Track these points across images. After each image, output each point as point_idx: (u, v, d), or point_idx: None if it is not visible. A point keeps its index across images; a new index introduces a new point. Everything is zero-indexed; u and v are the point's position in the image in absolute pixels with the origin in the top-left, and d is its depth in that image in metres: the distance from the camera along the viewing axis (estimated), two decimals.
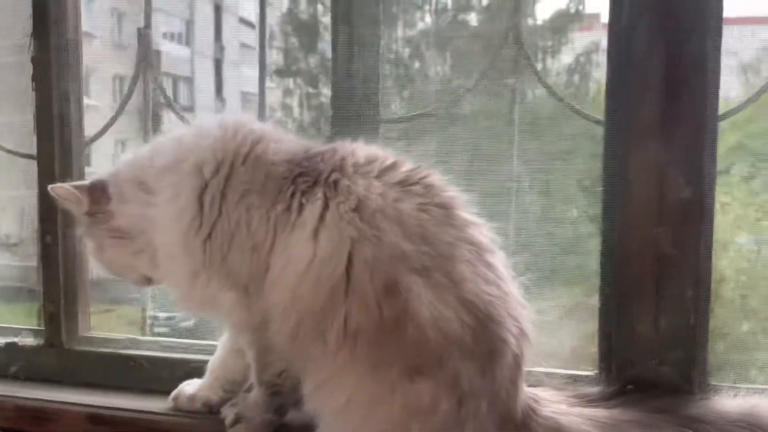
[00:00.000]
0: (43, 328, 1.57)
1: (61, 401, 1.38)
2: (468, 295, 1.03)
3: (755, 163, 1.30)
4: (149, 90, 1.58)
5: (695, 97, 1.19)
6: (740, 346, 1.29)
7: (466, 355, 1.02)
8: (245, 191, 1.12)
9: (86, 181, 1.27)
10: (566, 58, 1.49)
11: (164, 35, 1.79)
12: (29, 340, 1.57)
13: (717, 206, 1.24)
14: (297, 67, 1.83)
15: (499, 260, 1.12)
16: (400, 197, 1.08)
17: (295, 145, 1.19)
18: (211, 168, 1.14)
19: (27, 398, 1.40)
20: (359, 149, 1.17)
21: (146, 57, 1.58)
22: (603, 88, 1.28)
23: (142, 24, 1.58)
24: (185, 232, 1.14)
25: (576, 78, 1.50)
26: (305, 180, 1.12)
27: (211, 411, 1.29)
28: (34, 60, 1.53)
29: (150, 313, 1.90)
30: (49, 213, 1.53)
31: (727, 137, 1.25)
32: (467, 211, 1.13)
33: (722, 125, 1.22)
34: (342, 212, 1.06)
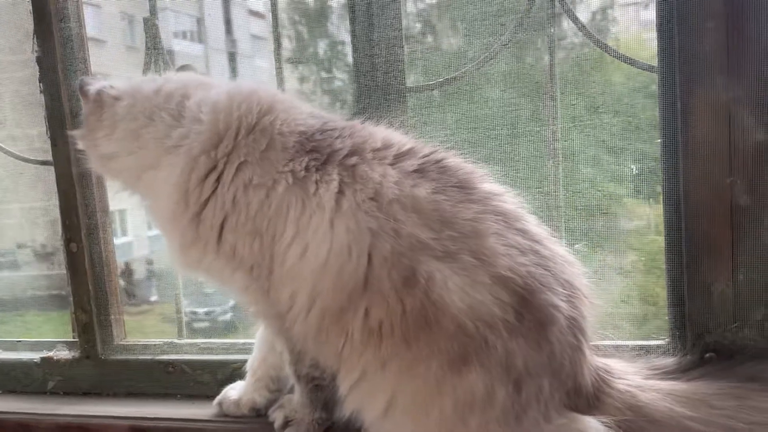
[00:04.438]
0: (77, 340, 1.50)
1: (101, 415, 1.32)
2: (503, 270, 0.93)
3: None
4: None
5: (761, 22, 1.06)
6: None
7: (514, 333, 0.92)
8: (241, 164, 1.03)
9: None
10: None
11: (175, 34, 1.70)
12: (64, 353, 1.51)
13: None
14: (308, 54, 1.77)
15: (532, 224, 1.03)
16: (415, 183, 0.99)
17: (311, 117, 1.09)
18: (206, 144, 1.05)
19: (66, 415, 1.34)
20: (377, 132, 1.08)
21: (155, 45, 1.49)
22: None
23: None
24: (174, 210, 1.06)
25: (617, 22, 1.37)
26: (316, 156, 1.02)
27: (258, 414, 1.22)
28: (39, 60, 1.44)
29: (187, 309, 1.84)
30: (71, 220, 1.46)
31: None
32: (488, 184, 1.05)
33: None
34: (359, 201, 0.98)
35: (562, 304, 0.97)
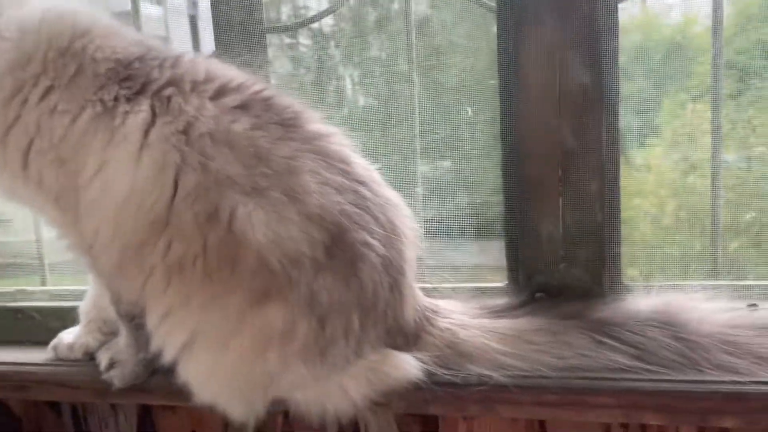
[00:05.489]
0: None
1: None
2: (313, 208, 0.93)
3: (743, 78, 1.18)
4: None
5: None
6: (653, 241, 1.20)
7: (322, 270, 0.92)
8: (48, 88, 0.98)
9: None
10: None
11: None
12: None
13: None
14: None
15: (359, 167, 1.03)
16: (234, 119, 0.97)
17: (133, 45, 1.04)
18: (12, 64, 0.99)
19: None
20: (203, 64, 1.04)
21: None
22: None
23: None
24: None
25: None
26: (129, 85, 0.98)
27: (92, 358, 1.19)
28: None
29: None
30: None
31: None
32: (316, 124, 1.03)
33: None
34: (168, 133, 0.95)
35: (376, 243, 0.97)
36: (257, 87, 1.04)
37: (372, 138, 1.23)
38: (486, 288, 1.22)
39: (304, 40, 1.38)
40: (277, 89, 1.08)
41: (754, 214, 1.17)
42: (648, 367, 0.99)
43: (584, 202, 1.12)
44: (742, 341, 0.98)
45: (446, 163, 1.22)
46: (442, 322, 1.07)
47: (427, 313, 1.07)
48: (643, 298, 1.09)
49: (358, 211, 0.97)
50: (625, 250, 1.16)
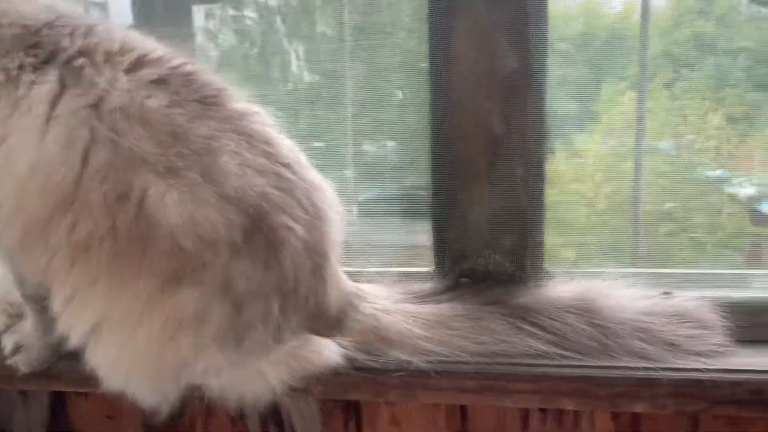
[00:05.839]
0: None
1: None
2: (231, 190, 0.90)
3: (676, 68, 1.19)
4: None
5: None
6: (579, 227, 1.22)
7: (239, 253, 0.90)
8: None
9: None
10: None
11: None
12: None
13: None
14: None
15: (283, 148, 0.99)
16: (150, 94, 0.92)
17: (43, 11, 0.97)
18: None
19: None
20: (119, 34, 0.98)
21: None
22: None
23: None
24: None
25: None
26: (35, 53, 0.92)
27: None
28: None
29: None
30: None
31: (653, 46, 1.18)
32: (240, 103, 0.99)
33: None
34: (77, 107, 0.89)
35: (298, 227, 0.95)
36: (178, 61, 0.99)
37: (302, 118, 1.20)
38: (412, 273, 1.21)
39: (249, 12, 1.33)
40: (199, 64, 1.02)
41: (675, 204, 1.20)
42: (565, 353, 1.00)
43: (511, 189, 1.12)
44: (654, 328, 1.01)
45: (378, 145, 1.20)
46: (366, 307, 1.06)
47: (350, 298, 1.06)
48: (564, 285, 1.10)
49: (280, 194, 0.94)
50: (557, 235, 1.17)
